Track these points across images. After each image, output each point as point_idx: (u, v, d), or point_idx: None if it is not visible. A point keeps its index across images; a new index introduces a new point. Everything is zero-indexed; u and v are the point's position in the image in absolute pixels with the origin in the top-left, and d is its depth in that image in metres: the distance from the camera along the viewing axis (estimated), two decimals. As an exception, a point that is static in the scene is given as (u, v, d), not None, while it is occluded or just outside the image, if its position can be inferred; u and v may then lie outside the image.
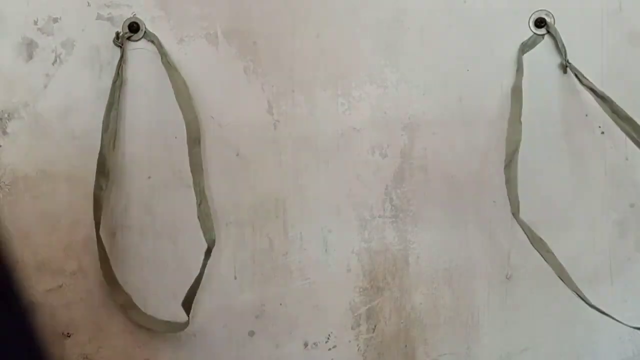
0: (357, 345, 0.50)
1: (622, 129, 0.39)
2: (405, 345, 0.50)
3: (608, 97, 0.40)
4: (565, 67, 0.44)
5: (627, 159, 0.48)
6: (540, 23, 0.47)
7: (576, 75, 0.44)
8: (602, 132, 0.48)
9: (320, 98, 0.48)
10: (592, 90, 0.42)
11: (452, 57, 0.48)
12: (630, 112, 0.47)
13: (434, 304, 0.49)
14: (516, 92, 0.46)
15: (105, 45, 0.48)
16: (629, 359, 0.48)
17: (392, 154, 0.48)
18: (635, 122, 0.37)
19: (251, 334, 0.50)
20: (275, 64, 0.48)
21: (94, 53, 0.48)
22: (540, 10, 0.47)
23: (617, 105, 0.40)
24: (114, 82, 0.46)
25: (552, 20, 0.47)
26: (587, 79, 0.42)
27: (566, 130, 0.48)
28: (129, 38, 0.47)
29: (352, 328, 0.50)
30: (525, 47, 0.47)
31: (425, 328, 0.50)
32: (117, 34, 0.46)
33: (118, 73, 0.46)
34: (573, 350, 0.49)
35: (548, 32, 0.47)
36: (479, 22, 0.48)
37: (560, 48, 0.45)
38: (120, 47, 0.46)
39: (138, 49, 0.48)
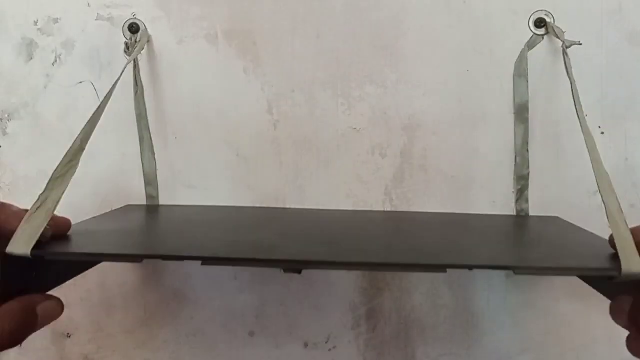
0: (357, 346, 0.50)
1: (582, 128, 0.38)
2: (406, 346, 0.50)
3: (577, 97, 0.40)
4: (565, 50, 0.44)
5: (627, 160, 0.48)
6: (540, 23, 0.47)
7: (564, 55, 0.43)
8: (602, 133, 0.48)
9: (320, 98, 0.48)
10: (570, 76, 0.41)
11: (452, 57, 0.48)
12: (630, 112, 0.47)
13: (434, 304, 0.49)
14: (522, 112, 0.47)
15: (105, 45, 0.48)
16: (628, 359, 0.48)
17: (392, 154, 0.48)
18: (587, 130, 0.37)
19: (251, 334, 0.50)
20: (275, 64, 0.48)
21: (94, 53, 0.48)
22: (540, 10, 0.47)
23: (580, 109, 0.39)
24: (136, 93, 0.47)
25: (552, 20, 0.47)
26: (571, 71, 0.42)
27: (566, 131, 0.48)
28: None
29: (352, 328, 0.50)
30: (521, 66, 0.47)
31: (425, 328, 0.50)
32: (127, 44, 0.46)
33: (136, 82, 0.47)
34: (573, 351, 0.49)
35: (548, 32, 0.47)
36: (478, 22, 0.48)
37: (558, 34, 0.45)
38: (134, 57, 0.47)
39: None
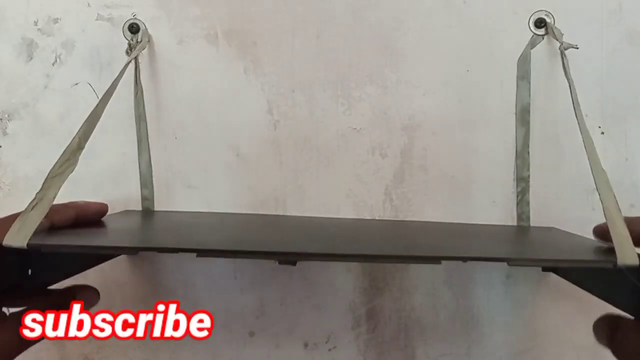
0: (357, 346, 0.50)
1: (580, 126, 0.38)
2: (405, 346, 0.50)
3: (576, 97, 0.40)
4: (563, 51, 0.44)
5: (627, 160, 0.48)
6: (540, 23, 0.47)
7: (562, 56, 0.43)
8: (602, 133, 0.48)
9: (320, 98, 0.48)
10: (568, 77, 0.41)
11: (452, 57, 0.48)
12: (630, 112, 0.47)
13: (434, 304, 0.49)
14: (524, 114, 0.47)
15: (105, 45, 0.48)
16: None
17: (392, 154, 0.48)
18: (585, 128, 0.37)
19: (251, 334, 0.50)
20: (275, 64, 0.48)
21: (94, 53, 0.48)
22: (540, 10, 0.47)
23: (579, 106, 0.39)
24: (136, 95, 0.47)
25: (552, 20, 0.47)
26: (569, 71, 0.42)
27: (566, 131, 0.48)
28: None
29: (352, 328, 0.50)
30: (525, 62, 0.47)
31: (425, 328, 0.50)
32: (130, 45, 0.47)
33: (137, 83, 0.47)
34: (573, 351, 0.49)
35: (547, 32, 0.47)
36: (478, 23, 0.48)
37: (557, 36, 0.45)
38: (135, 57, 0.47)
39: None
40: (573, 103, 0.39)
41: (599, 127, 0.48)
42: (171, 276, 0.49)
